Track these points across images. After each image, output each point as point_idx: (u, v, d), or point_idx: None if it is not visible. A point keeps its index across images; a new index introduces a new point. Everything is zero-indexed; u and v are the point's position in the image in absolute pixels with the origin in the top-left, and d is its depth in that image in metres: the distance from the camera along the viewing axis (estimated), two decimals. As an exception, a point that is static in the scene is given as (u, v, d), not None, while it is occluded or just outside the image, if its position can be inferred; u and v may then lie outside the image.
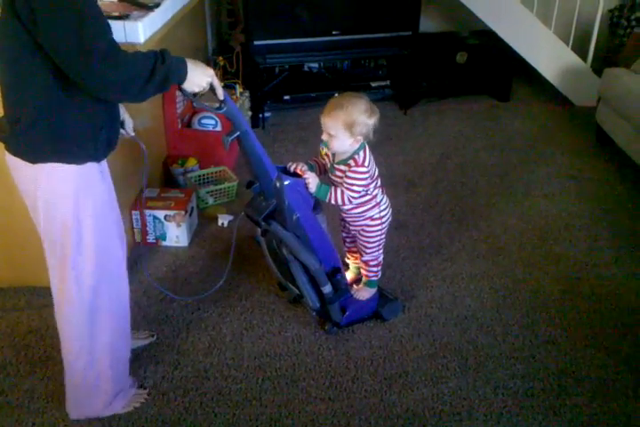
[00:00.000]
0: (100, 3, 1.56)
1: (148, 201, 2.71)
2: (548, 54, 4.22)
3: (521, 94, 4.47)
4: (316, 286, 2.13)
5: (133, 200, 2.69)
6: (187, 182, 3.06)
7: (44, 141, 1.53)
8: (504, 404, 1.98)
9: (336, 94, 4.16)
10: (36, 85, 1.47)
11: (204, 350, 2.17)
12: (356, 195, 2.00)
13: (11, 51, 1.46)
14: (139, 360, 2.08)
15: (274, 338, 2.23)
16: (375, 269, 2.23)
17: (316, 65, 4.33)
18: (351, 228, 2.19)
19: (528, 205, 3.11)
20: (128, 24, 2.21)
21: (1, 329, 2.24)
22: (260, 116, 3.90)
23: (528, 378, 2.08)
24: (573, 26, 4.21)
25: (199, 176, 3.10)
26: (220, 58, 3.77)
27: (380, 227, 2.13)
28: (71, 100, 1.50)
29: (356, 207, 2.08)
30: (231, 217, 2.92)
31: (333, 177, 2.05)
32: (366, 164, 1.97)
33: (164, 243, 2.74)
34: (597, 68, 4.13)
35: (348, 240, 2.31)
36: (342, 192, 1.98)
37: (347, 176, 1.97)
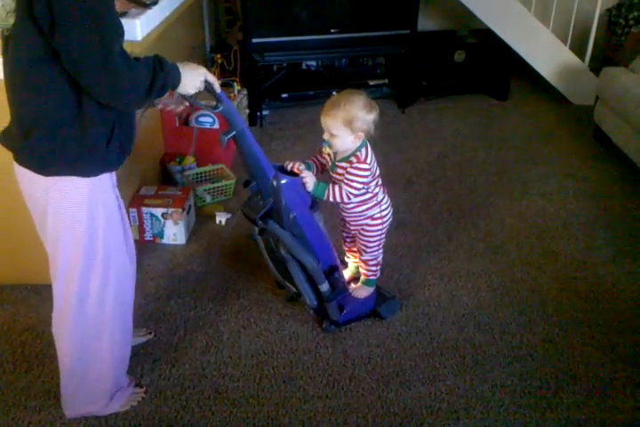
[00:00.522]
0: None
1: (146, 199, 2.70)
2: (546, 53, 4.23)
3: (519, 93, 4.47)
4: (313, 285, 2.13)
5: (131, 197, 2.69)
6: (184, 180, 3.06)
7: (58, 154, 1.49)
8: (501, 402, 1.98)
9: (334, 93, 4.18)
10: (51, 97, 1.45)
11: (202, 349, 2.17)
12: (355, 191, 1.99)
13: (25, 60, 1.43)
14: (136, 358, 2.07)
15: (271, 336, 2.23)
16: (374, 268, 2.23)
17: (313, 63, 4.32)
18: (351, 227, 2.18)
19: (526, 203, 3.12)
20: (126, 21, 2.18)
21: (-2, 327, 2.24)
22: (258, 114, 3.89)
23: (525, 376, 2.08)
24: (571, 25, 4.21)
25: (197, 174, 3.09)
26: (218, 56, 3.76)
27: (380, 227, 2.13)
28: (86, 110, 1.47)
29: (356, 206, 2.07)
30: (229, 215, 2.92)
31: (335, 175, 2.05)
32: (368, 161, 1.97)
33: (162, 241, 2.74)
34: (595, 67, 4.14)
35: (348, 240, 2.31)
36: (340, 188, 1.97)
37: (348, 172, 1.97)
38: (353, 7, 3.92)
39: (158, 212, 2.67)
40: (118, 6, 2.34)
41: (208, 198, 3.03)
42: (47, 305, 2.30)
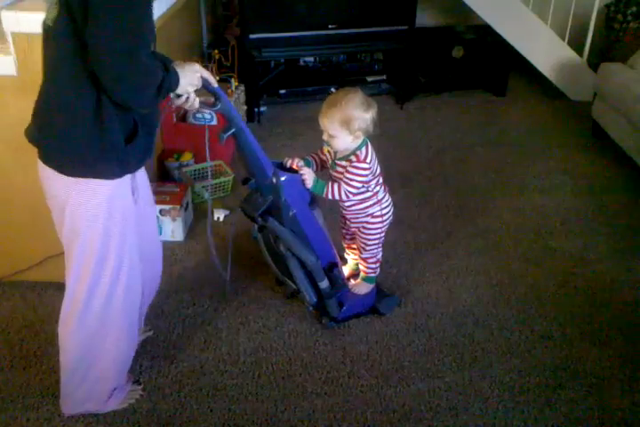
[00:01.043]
0: None
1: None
2: (545, 49, 4.22)
3: (517, 89, 4.47)
4: (313, 282, 2.13)
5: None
6: (182, 177, 3.05)
7: (77, 155, 1.49)
8: (500, 399, 1.98)
9: (332, 89, 4.17)
10: (70, 94, 1.44)
11: (200, 345, 2.17)
12: (353, 190, 1.99)
13: (55, 54, 1.43)
14: (134, 355, 2.07)
15: (270, 333, 2.23)
16: (374, 266, 2.23)
17: (311, 59, 4.31)
18: (351, 225, 2.18)
19: (524, 199, 3.12)
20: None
21: (-5, 324, 2.23)
22: (256, 110, 3.88)
23: (524, 373, 2.08)
24: (569, 20, 4.20)
25: (194, 170, 3.08)
26: (216, 51, 3.74)
27: (380, 225, 2.12)
28: (104, 111, 1.45)
29: (356, 204, 2.07)
30: (227, 211, 2.91)
31: (334, 173, 2.04)
32: (368, 160, 1.96)
33: (160, 237, 2.72)
34: (593, 63, 4.14)
35: (347, 237, 2.31)
36: (339, 187, 1.97)
37: (347, 171, 1.96)
38: (351, 3, 3.91)
39: (156, 209, 2.66)
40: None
41: (206, 195, 3.02)
42: (45, 302, 2.31)
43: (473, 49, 4.34)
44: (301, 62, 4.30)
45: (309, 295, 2.16)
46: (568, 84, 4.28)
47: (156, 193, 2.71)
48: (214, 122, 3.23)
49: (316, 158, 2.10)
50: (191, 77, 1.59)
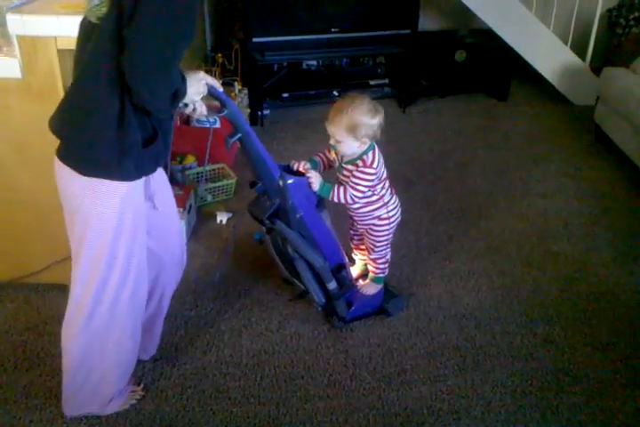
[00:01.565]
0: None
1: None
2: (547, 53, 4.23)
3: (519, 93, 4.48)
4: (321, 283, 2.14)
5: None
6: (185, 179, 3.06)
7: (100, 156, 1.49)
8: (502, 402, 1.98)
9: (335, 93, 4.18)
10: (94, 92, 1.44)
11: (203, 348, 2.17)
12: (359, 194, 1.99)
13: (93, 51, 1.42)
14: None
15: (272, 335, 2.23)
16: (383, 266, 2.24)
17: (314, 63, 4.32)
18: (359, 226, 2.19)
19: (526, 203, 3.12)
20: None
21: (-2, 326, 2.23)
22: (259, 113, 3.89)
23: (526, 376, 2.08)
24: (572, 25, 4.21)
25: (197, 173, 3.09)
26: (219, 55, 3.76)
27: (387, 227, 2.13)
28: (126, 114, 1.46)
29: (363, 206, 2.08)
30: (230, 214, 2.92)
31: (341, 176, 2.05)
32: (374, 165, 1.97)
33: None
34: (596, 68, 4.14)
35: (355, 238, 2.32)
36: (345, 190, 1.98)
37: (353, 175, 1.97)
38: (354, 7, 3.92)
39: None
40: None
41: (209, 198, 3.03)
42: (49, 304, 2.31)
43: (475, 53, 4.35)
44: (304, 66, 4.31)
45: (318, 296, 2.17)
46: (570, 89, 4.29)
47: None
48: (218, 125, 3.23)
49: (323, 158, 2.10)
50: (197, 86, 1.60)
